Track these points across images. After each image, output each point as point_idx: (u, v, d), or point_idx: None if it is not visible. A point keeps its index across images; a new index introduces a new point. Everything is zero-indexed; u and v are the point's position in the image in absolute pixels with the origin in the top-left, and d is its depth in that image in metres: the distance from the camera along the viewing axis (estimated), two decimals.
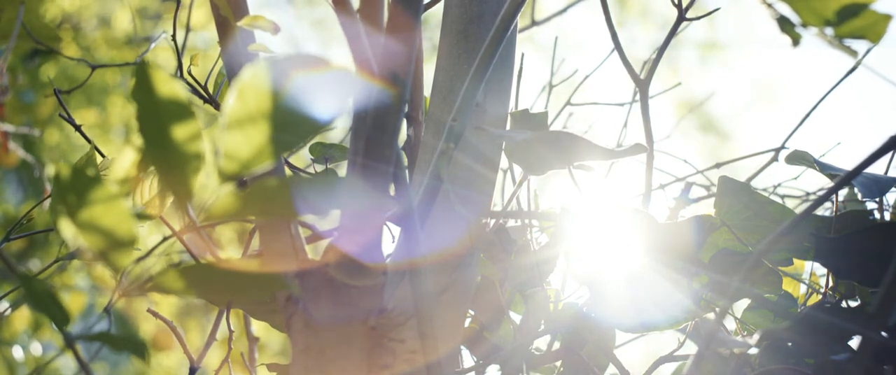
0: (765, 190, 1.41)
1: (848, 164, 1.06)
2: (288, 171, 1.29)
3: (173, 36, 1.40)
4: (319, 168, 1.31)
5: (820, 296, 1.09)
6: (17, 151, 2.62)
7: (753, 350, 1.03)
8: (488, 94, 1.13)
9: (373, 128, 0.87)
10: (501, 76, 1.15)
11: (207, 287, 0.77)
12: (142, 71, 0.64)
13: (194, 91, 1.33)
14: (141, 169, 0.75)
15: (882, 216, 1.05)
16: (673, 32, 1.15)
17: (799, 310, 1.05)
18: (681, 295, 1.02)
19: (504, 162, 1.38)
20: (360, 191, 0.77)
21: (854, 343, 0.97)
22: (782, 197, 1.42)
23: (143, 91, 0.65)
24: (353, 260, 0.88)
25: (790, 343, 0.99)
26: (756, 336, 1.00)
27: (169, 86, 0.66)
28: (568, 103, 1.63)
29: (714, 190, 1.48)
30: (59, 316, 0.75)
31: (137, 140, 0.66)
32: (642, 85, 1.15)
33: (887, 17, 0.82)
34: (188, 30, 1.63)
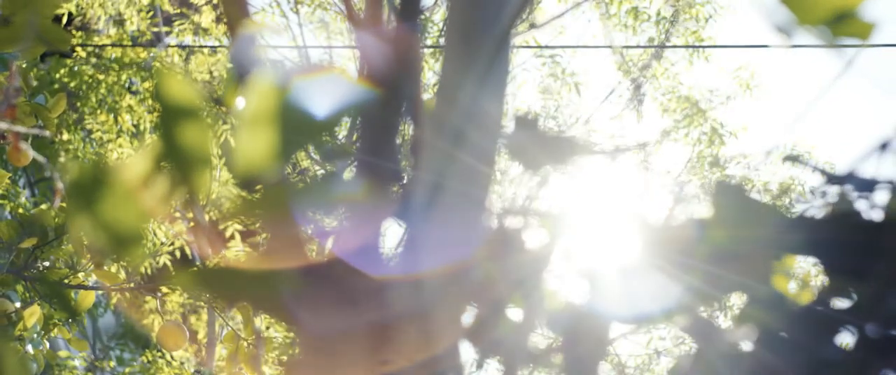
0: (758, 190, 1.43)
1: (840, 164, 1.08)
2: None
3: (181, 38, 1.42)
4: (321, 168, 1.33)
5: (813, 291, 1.12)
6: (29, 151, 2.65)
7: (748, 346, 1.05)
8: (486, 94, 1.15)
9: (376, 129, 0.90)
10: (498, 78, 1.18)
11: (215, 285, 0.79)
12: (161, 75, 0.67)
13: (202, 91, 1.35)
14: (155, 168, 0.77)
15: (871, 214, 1.07)
16: (668, 35, 1.17)
17: (793, 305, 1.08)
18: (676, 289, 1.05)
19: (505, 162, 1.41)
20: (364, 191, 0.79)
21: (849, 337, 0.99)
22: (774, 196, 1.44)
23: (162, 94, 0.67)
24: (357, 256, 0.91)
25: (784, 337, 1.02)
26: (751, 332, 1.03)
27: (186, 90, 0.69)
28: (567, 103, 1.65)
29: (708, 189, 1.50)
30: (72, 313, 0.78)
31: (153, 140, 0.69)
32: (638, 85, 1.17)
33: (870, 24, 0.85)
34: (196, 31, 1.66)
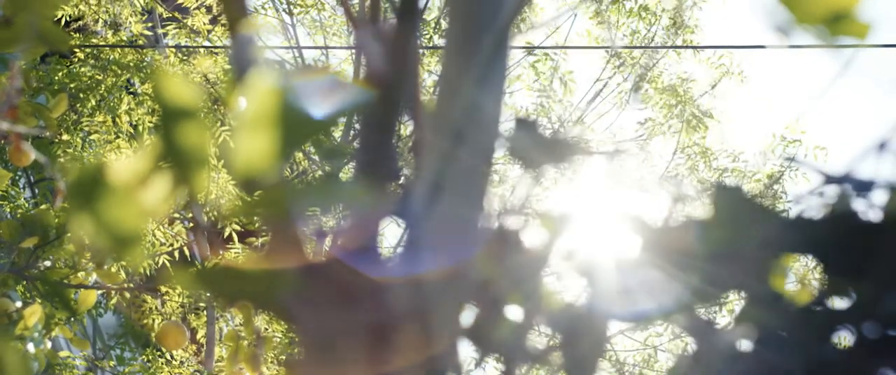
0: (758, 190, 1.44)
1: (839, 164, 1.09)
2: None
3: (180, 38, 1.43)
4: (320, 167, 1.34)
5: (812, 291, 1.12)
6: (30, 152, 2.66)
7: (747, 345, 1.05)
8: (485, 94, 1.16)
9: (375, 128, 0.90)
10: (497, 76, 1.18)
11: (215, 285, 0.80)
12: (159, 76, 0.68)
13: (202, 91, 1.36)
14: (154, 169, 0.78)
15: (869, 215, 1.07)
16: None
17: (791, 305, 1.08)
18: (675, 289, 1.05)
19: (505, 162, 1.41)
20: (363, 190, 0.80)
21: (848, 336, 1.00)
22: (774, 198, 1.45)
23: (160, 94, 0.68)
24: (357, 256, 0.91)
25: (783, 337, 1.02)
26: (750, 331, 1.03)
27: (185, 91, 0.69)
28: (562, 102, 1.66)
29: (707, 188, 1.50)
30: (72, 313, 0.78)
31: (152, 141, 0.69)
32: (635, 86, 1.17)
33: (867, 25, 0.86)
34: (194, 32, 1.66)
